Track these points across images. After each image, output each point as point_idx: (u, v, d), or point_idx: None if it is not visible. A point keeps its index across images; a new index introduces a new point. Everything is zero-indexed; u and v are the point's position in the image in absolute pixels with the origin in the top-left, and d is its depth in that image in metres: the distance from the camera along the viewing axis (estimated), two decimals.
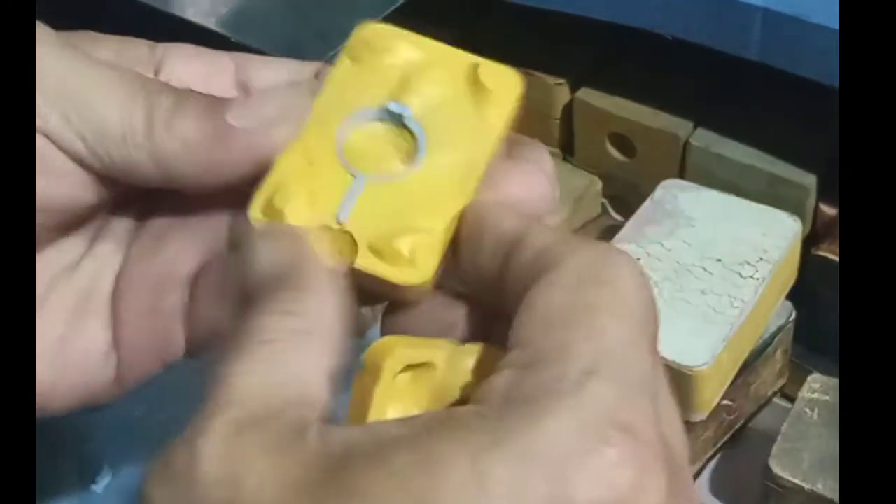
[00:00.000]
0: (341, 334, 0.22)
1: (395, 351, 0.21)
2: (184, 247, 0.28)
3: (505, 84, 0.27)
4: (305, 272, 0.23)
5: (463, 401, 0.22)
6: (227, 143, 0.25)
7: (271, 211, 0.25)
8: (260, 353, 0.21)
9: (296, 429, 0.20)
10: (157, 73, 0.28)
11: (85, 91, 0.25)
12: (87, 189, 0.26)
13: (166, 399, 0.57)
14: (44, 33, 0.26)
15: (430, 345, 0.23)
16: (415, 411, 0.22)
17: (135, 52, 0.28)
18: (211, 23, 0.56)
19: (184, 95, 0.26)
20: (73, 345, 0.28)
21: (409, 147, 0.26)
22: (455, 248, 0.25)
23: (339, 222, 0.25)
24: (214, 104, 0.26)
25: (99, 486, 0.59)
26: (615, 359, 0.20)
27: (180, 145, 0.25)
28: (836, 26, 0.51)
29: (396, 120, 0.26)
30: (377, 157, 0.26)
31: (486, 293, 0.24)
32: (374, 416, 0.21)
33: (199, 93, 0.26)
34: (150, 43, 0.29)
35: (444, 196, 0.25)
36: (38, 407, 0.27)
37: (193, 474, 0.19)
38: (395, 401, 0.22)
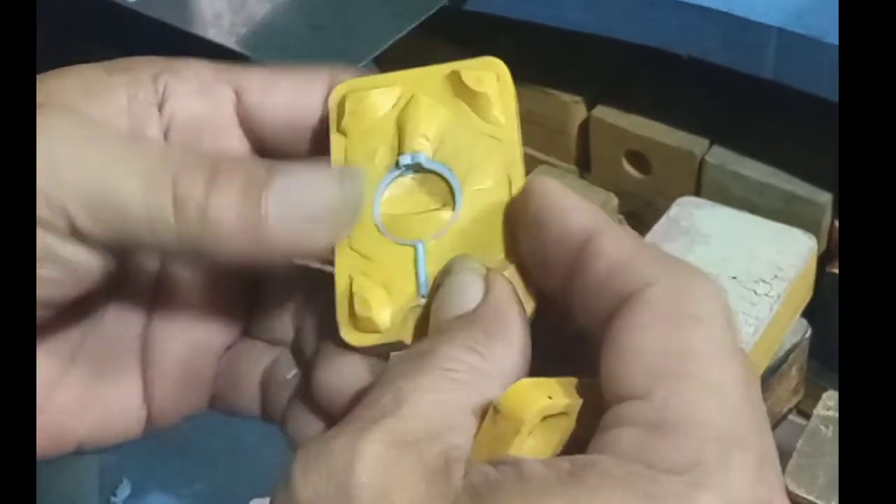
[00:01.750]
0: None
1: (536, 404, 0.22)
2: (217, 321, 0.28)
3: (490, 77, 0.26)
4: (502, 320, 0.23)
5: (582, 438, 0.22)
6: (264, 239, 0.24)
7: (361, 324, 0.25)
8: (438, 378, 0.22)
9: (449, 458, 0.21)
10: (160, 107, 0.28)
11: (105, 178, 0.24)
12: (106, 265, 0.25)
13: None
14: (54, 115, 0.24)
15: (563, 390, 0.23)
16: (548, 454, 0.22)
17: (141, 89, 0.27)
18: (231, 42, 0.57)
19: (215, 170, 0.24)
20: (109, 399, 0.28)
21: (442, 187, 0.25)
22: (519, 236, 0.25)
23: (422, 297, 0.25)
24: (251, 184, 0.24)
25: (118, 499, 0.60)
26: (742, 422, 0.20)
27: (213, 231, 0.24)
28: None
29: (416, 168, 0.25)
30: (419, 215, 0.25)
31: (550, 288, 0.24)
32: None
33: (232, 164, 0.24)
34: (155, 72, 0.28)
35: (497, 217, 0.25)
36: (73, 448, 0.28)
37: (348, 475, 0.20)
38: (529, 447, 0.22)
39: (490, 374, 0.22)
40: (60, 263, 0.24)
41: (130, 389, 0.28)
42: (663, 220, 0.57)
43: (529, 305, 0.24)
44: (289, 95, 0.28)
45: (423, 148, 0.25)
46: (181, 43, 0.64)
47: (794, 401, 0.59)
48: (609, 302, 0.22)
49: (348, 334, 0.25)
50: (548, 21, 0.61)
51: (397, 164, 0.25)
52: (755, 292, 0.53)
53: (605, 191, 0.69)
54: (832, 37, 0.52)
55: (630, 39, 0.59)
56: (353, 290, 0.25)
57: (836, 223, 0.60)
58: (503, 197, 0.25)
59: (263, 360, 0.29)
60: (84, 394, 0.28)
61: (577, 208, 0.24)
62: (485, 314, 0.23)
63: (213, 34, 0.58)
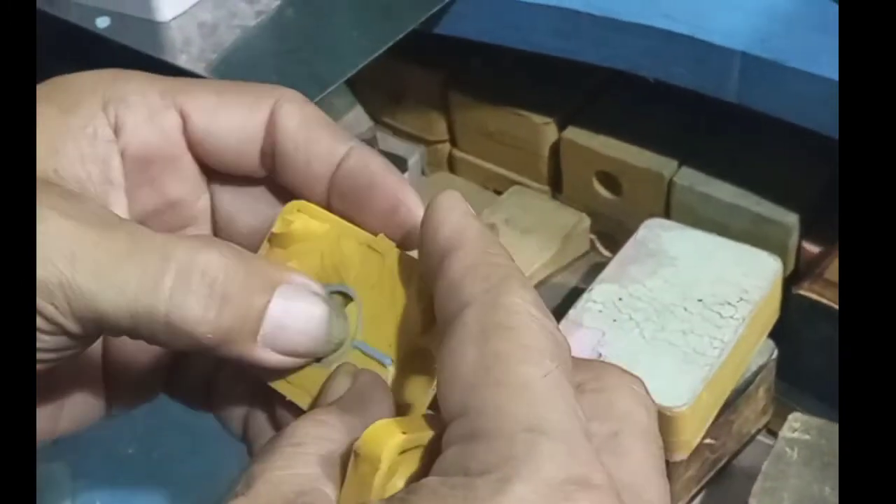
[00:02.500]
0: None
1: (392, 440, 0.23)
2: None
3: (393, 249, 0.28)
4: (357, 399, 0.25)
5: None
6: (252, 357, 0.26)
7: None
8: (287, 454, 0.23)
9: None
10: (117, 136, 0.28)
11: (96, 270, 0.24)
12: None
13: (158, 437, 0.58)
14: (46, 197, 0.25)
15: (418, 425, 0.24)
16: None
17: (99, 127, 0.28)
18: (201, 69, 0.57)
19: (194, 265, 0.25)
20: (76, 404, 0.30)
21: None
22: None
23: None
24: (243, 304, 0.26)
25: None
26: (549, 410, 0.21)
27: (189, 334, 0.25)
28: (813, 70, 0.52)
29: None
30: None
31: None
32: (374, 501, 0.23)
33: (217, 257, 0.25)
34: (104, 100, 0.29)
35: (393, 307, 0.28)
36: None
37: None
38: (393, 485, 0.23)
39: (339, 440, 0.24)
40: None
41: (92, 375, 0.30)
42: (631, 242, 0.58)
43: (429, 386, 0.27)
44: (236, 118, 0.29)
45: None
46: (151, 68, 0.65)
47: (763, 421, 0.59)
48: (443, 327, 0.24)
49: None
50: (517, 45, 0.62)
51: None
52: (720, 315, 0.53)
53: (577, 211, 0.69)
54: (795, 61, 0.53)
55: (597, 62, 0.59)
56: None
57: (804, 244, 0.60)
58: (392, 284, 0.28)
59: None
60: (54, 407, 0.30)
61: (445, 223, 0.25)
62: (344, 399, 0.25)
63: (184, 60, 0.58)
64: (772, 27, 0.55)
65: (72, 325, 0.25)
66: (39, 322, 0.24)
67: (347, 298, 0.28)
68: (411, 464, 0.23)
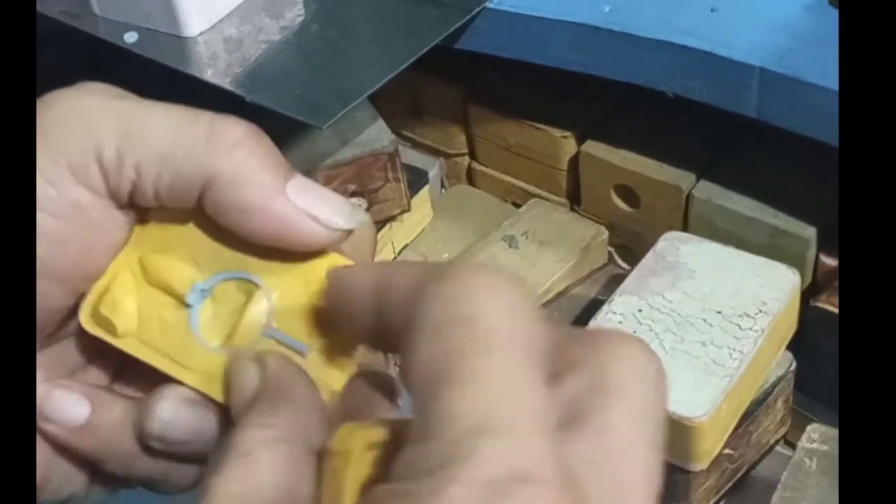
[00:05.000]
0: (319, 436, 0.24)
1: (363, 434, 0.23)
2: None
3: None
4: (281, 388, 0.25)
5: None
6: (280, 203, 0.26)
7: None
8: (240, 465, 0.23)
9: None
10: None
11: (141, 120, 0.26)
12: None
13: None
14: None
15: (389, 425, 0.24)
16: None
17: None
18: (226, 83, 0.58)
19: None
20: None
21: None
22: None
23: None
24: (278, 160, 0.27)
25: None
26: (499, 405, 0.20)
27: (230, 164, 0.26)
28: (830, 85, 0.52)
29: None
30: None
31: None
32: (349, 495, 0.22)
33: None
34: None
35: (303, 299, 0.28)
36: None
37: None
38: (365, 479, 0.23)
39: (288, 438, 0.24)
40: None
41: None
42: (650, 255, 0.58)
43: (346, 370, 0.27)
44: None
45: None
46: (179, 85, 0.66)
47: (781, 432, 0.60)
48: (402, 320, 0.22)
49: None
50: (536, 60, 0.62)
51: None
52: (739, 327, 0.54)
53: (596, 223, 0.70)
54: (812, 76, 0.53)
55: (616, 77, 0.60)
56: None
57: (821, 257, 0.61)
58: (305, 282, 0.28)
59: None
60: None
61: (366, 266, 0.25)
62: (264, 390, 0.25)
63: (210, 75, 0.59)
64: (789, 43, 0.55)
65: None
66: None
67: (254, 285, 0.28)
68: (383, 459, 0.23)
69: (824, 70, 0.53)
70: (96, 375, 0.31)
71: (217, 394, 0.28)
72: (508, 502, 0.19)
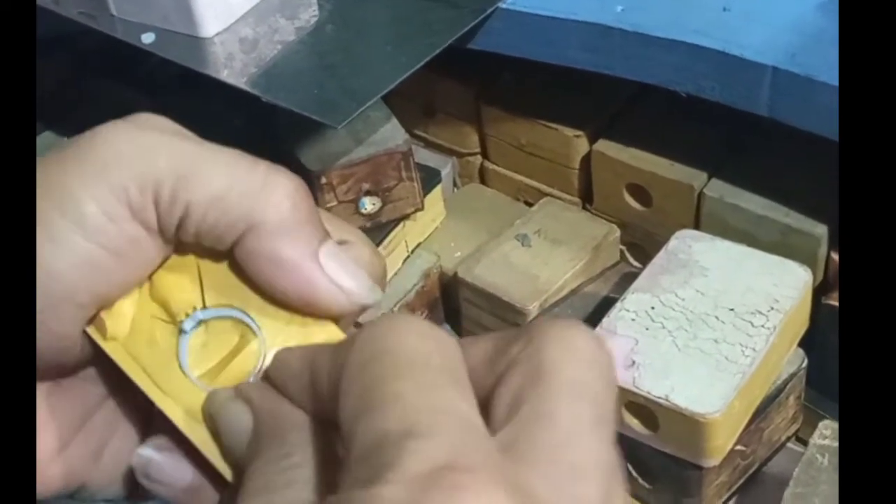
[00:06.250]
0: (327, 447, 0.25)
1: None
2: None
3: None
4: (278, 421, 0.25)
5: None
6: (314, 275, 0.27)
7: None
8: (286, 497, 0.23)
9: None
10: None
11: (199, 162, 0.27)
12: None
13: None
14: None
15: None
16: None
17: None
18: (242, 83, 0.59)
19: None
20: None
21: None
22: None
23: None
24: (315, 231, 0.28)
25: None
26: (421, 414, 0.21)
27: (276, 215, 0.27)
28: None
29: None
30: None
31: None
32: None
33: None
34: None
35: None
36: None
37: None
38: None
39: (302, 463, 0.24)
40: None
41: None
42: (662, 253, 0.59)
43: None
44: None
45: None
46: (197, 84, 0.66)
47: (793, 429, 0.60)
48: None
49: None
50: (549, 59, 0.63)
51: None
52: (752, 324, 0.54)
53: (608, 222, 0.70)
54: (825, 75, 0.54)
55: (628, 77, 0.61)
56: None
57: (832, 255, 0.61)
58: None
59: None
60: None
61: (296, 350, 0.27)
62: (261, 428, 0.26)
63: (226, 75, 0.60)
64: (802, 42, 0.56)
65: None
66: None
67: (251, 331, 0.28)
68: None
69: (836, 69, 0.53)
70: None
71: (192, 431, 0.27)
72: (438, 491, 0.19)
